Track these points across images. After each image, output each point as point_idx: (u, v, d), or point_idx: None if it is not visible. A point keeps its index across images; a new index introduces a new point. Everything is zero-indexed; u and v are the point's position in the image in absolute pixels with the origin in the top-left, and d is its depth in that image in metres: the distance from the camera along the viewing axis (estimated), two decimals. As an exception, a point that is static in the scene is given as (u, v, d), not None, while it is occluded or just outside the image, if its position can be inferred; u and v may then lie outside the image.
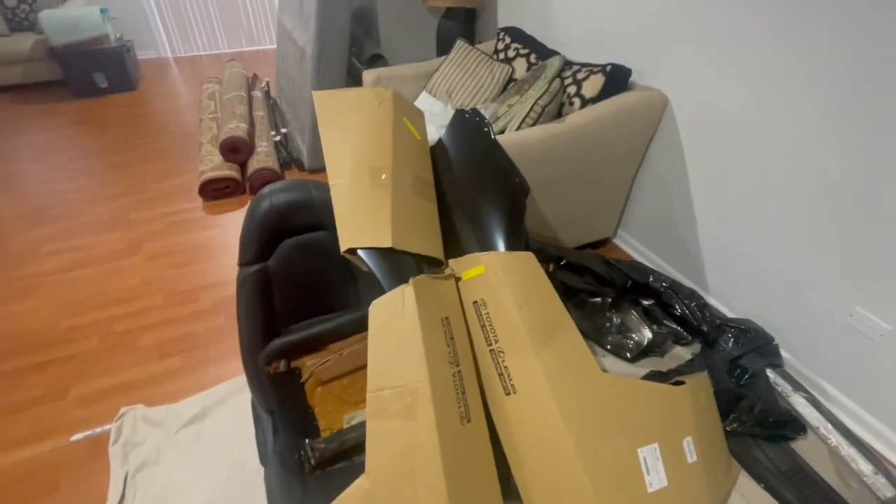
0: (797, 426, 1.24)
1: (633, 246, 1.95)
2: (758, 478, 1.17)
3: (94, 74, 3.39)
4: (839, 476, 1.17)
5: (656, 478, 0.96)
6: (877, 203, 1.14)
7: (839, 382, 1.33)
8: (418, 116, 1.21)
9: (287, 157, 2.52)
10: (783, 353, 1.43)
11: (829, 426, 1.22)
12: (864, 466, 1.13)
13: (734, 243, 1.53)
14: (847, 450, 1.17)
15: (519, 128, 1.54)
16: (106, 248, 1.98)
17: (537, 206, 1.62)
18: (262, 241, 0.95)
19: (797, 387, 1.31)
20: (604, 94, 1.58)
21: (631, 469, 0.95)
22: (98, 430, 1.29)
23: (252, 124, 2.60)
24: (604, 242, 2.00)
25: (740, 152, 1.41)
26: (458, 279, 0.99)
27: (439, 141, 1.18)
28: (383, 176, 0.93)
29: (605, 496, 0.90)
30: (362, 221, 0.88)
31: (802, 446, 1.24)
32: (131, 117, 3.15)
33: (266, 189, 0.97)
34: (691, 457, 1.02)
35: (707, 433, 1.10)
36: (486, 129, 1.12)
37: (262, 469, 1.15)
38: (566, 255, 1.50)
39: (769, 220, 1.39)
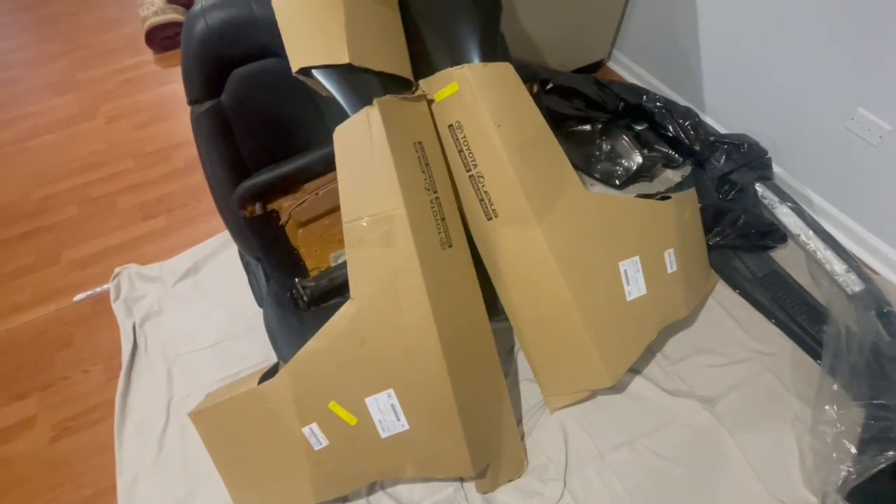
0: (778, 235, 1.26)
1: (629, 68, 1.79)
2: (734, 285, 1.23)
3: None
4: (812, 278, 1.23)
5: (636, 287, 0.99)
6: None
7: (827, 191, 1.32)
8: None
9: (238, -7, 2.19)
10: (775, 167, 1.39)
11: (811, 232, 1.24)
12: (838, 266, 1.18)
13: (737, 54, 1.39)
14: (824, 252, 1.20)
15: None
16: (60, 113, 1.83)
17: (521, 24, 1.44)
18: (206, 71, 0.84)
19: (784, 198, 1.30)
20: None
21: (612, 281, 0.98)
22: (98, 289, 1.32)
23: (190, -46, 2.22)
24: (597, 66, 1.84)
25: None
26: (430, 101, 0.91)
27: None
28: (331, -22, 0.78)
29: (585, 307, 0.94)
30: (312, 34, 0.77)
31: (781, 254, 1.28)
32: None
33: (197, 7, 0.82)
34: (671, 267, 1.04)
35: (689, 245, 1.12)
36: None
37: (261, 311, 1.20)
38: (553, 77, 1.38)
39: (777, 23, 1.24)
